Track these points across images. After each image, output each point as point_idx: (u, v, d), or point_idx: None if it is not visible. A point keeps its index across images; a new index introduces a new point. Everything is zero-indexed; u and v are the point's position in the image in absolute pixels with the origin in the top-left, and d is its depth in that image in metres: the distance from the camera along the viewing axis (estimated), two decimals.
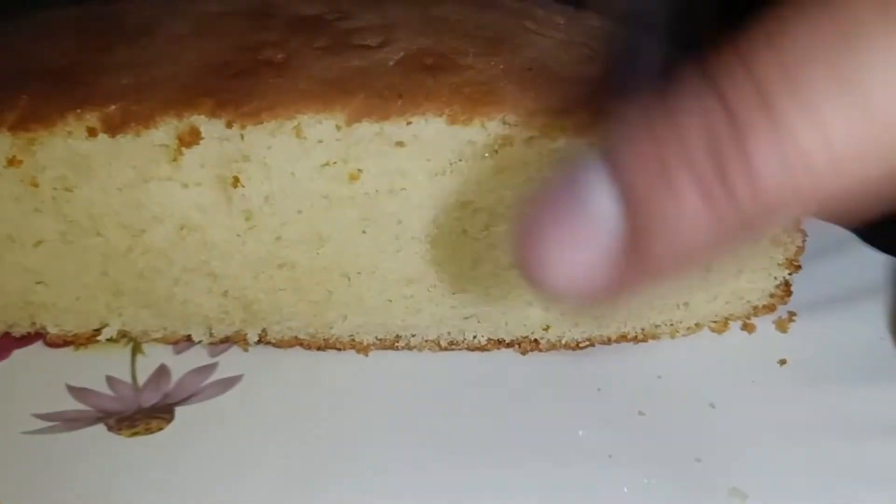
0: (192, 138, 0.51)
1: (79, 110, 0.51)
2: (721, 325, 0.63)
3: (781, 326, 0.62)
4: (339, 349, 0.62)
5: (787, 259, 0.60)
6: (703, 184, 0.27)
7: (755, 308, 0.63)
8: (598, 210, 0.29)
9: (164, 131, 0.51)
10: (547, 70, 0.54)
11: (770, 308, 0.63)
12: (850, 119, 0.26)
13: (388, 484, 0.52)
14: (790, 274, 0.61)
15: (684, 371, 0.61)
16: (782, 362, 0.60)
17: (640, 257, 0.29)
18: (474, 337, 0.62)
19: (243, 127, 0.51)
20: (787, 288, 0.62)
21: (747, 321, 0.63)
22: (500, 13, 0.60)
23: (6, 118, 0.51)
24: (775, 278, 0.61)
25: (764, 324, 0.63)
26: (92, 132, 0.51)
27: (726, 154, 0.27)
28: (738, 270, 0.60)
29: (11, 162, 0.53)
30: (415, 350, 0.62)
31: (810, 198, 0.27)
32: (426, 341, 0.62)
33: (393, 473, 0.53)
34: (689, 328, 0.62)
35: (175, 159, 0.52)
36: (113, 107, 0.51)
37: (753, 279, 0.61)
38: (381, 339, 0.62)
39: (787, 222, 0.55)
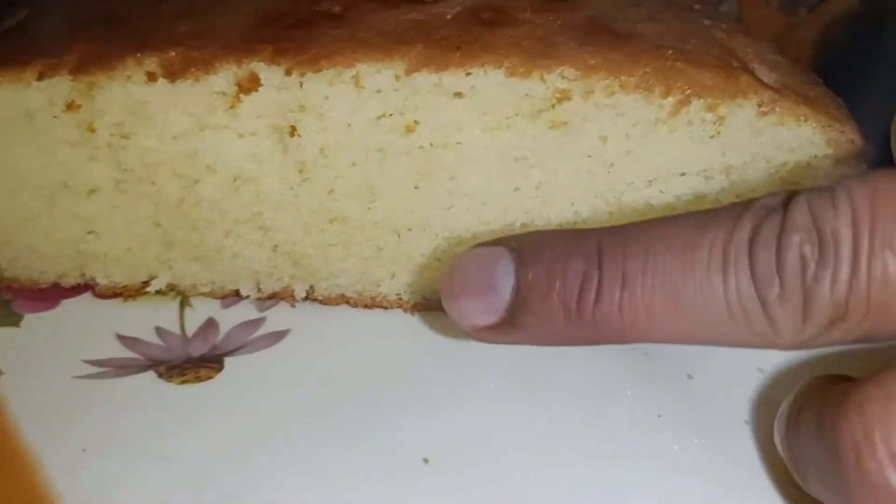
0: (250, 85, 0.51)
1: (139, 55, 0.51)
2: None
3: None
4: (386, 308, 0.62)
5: None
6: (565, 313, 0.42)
7: None
8: (499, 290, 0.44)
9: (223, 77, 0.51)
10: (606, 27, 0.54)
11: None
12: None
13: (432, 441, 0.52)
14: None
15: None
16: None
17: (513, 331, 0.45)
18: None
19: (302, 74, 0.51)
20: None
21: None
22: None
23: (66, 62, 0.52)
24: None
25: None
26: (151, 77, 0.51)
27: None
28: None
29: (70, 106, 0.53)
30: None
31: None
32: None
33: (437, 432, 0.52)
34: None
35: (232, 107, 0.52)
36: (173, 52, 0.51)
37: None
38: (427, 299, 0.62)
39: None
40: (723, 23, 0.59)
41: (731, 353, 0.58)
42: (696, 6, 0.62)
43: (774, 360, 0.58)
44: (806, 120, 0.53)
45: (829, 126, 0.54)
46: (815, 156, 0.55)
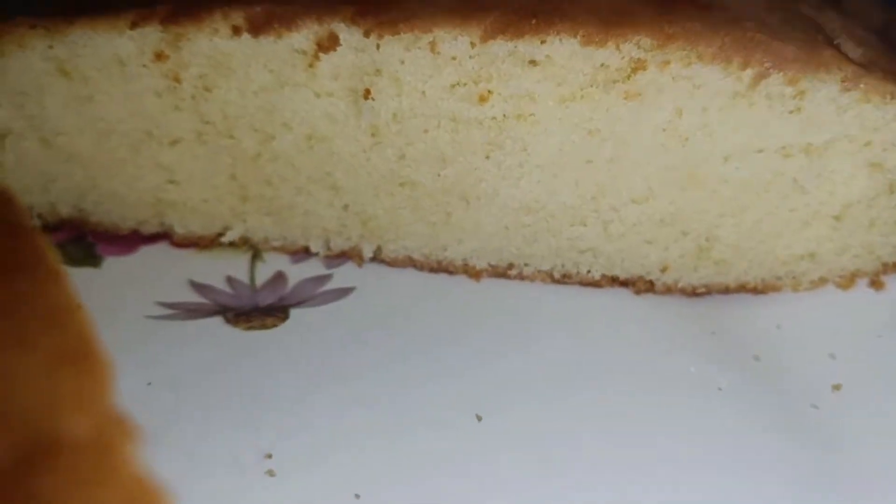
0: (330, 44, 0.52)
1: (226, 8, 0.53)
2: (847, 281, 0.60)
3: None
4: (451, 272, 0.62)
5: None
6: None
7: (885, 265, 0.60)
8: None
9: (304, 35, 0.52)
10: None
11: None
12: None
13: (486, 399, 0.52)
14: None
15: (806, 322, 0.59)
16: None
17: None
18: (588, 272, 0.61)
19: (380, 37, 0.51)
20: None
21: (875, 278, 0.60)
22: None
23: (158, 12, 0.54)
24: None
25: (894, 282, 0.60)
26: (236, 30, 0.53)
27: None
28: (870, 222, 0.58)
29: (159, 56, 0.55)
30: (526, 280, 0.62)
31: None
32: (539, 272, 0.62)
33: (496, 399, 0.53)
34: (812, 282, 0.60)
35: (311, 65, 0.53)
36: (258, 7, 0.53)
37: (886, 232, 0.58)
38: (493, 266, 0.62)
39: None
40: None
41: (803, 338, 0.57)
42: None
43: (846, 345, 0.56)
44: (892, 98, 0.52)
45: None
46: None
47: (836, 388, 0.53)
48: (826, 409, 0.52)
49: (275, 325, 0.57)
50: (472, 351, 0.56)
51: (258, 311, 0.58)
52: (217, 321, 0.57)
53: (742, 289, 0.61)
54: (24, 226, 0.35)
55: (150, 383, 0.52)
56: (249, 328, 0.57)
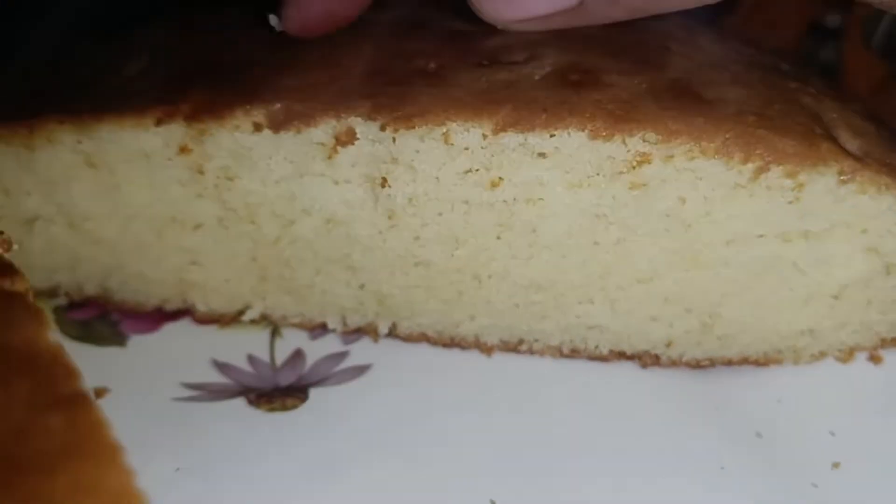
0: (348, 138, 0.54)
1: (247, 106, 0.55)
2: (846, 355, 0.62)
3: None
4: (464, 348, 0.65)
5: None
6: None
7: (883, 340, 0.62)
8: None
9: (322, 130, 0.55)
10: (689, 91, 0.55)
11: None
12: None
13: (500, 483, 0.54)
14: None
15: (806, 397, 0.61)
16: None
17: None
18: (596, 347, 0.63)
19: (396, 130, 0.54)
20: None
21: (874, 353, 0.62)
22: (643, 33, 0.61)
23: (182, 109, 0.56)
24: None
25: (892, 356, 0.62)
26: (257, 127, 0.55)
27: None
28: (867, 301, 0.60)
29: (183, 149, 0.57)
30: (536, 355, 0.64)
31: None
32: (548, 347, 0.64)
33: (507, 473, 0.55)
34: (812, 355, 0.62)
35: (330, 157, 0.56)
36: (278, 105, 0.55)
37: (883, 310, 0.60)
38: (504, 342, 0.64)
39: None
40: (811, 85, 0.60)
41: (804, 414, 0.59)
42: (784, 66, 0.63)
43: (846, 421, 0.58)
44: (887, 189, 0.54)
45: None
46: None
47: (836, 466, 0.55)
48: (825, 488, 0.54)
49: (294, 406, 0.59)
50: (486, 430, 0.58)
51: (279, 391, 0.60)
52: (240, 403, 0.60)
53: (744, 362, 0.63)
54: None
55: (178, 469, 0.54)
56: (271, 409, 0.59)
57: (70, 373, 0.32)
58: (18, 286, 0.36)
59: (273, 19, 0.57)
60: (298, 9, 0.54)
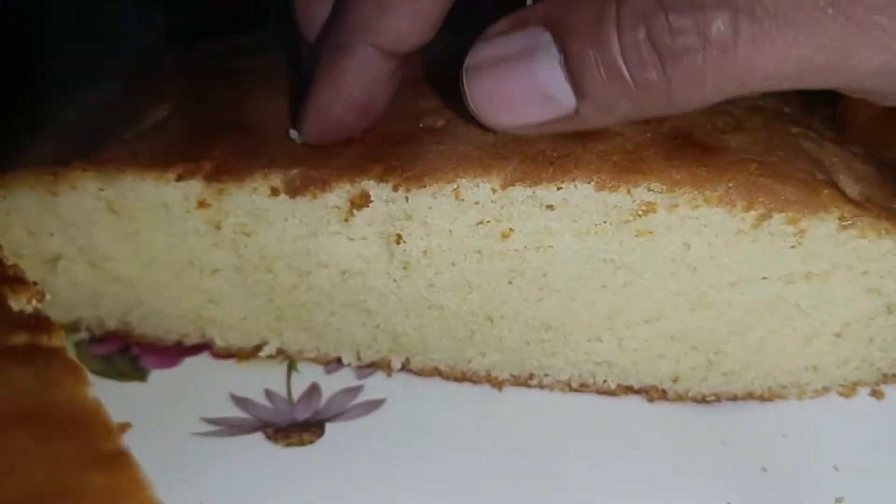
0: (362, 201, 0.56)
1: (266, 171, 0.57)
2: (849, 390, 0.64)
3: None
4: (475, 382, 0.66)
5: None
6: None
7: (885, 375, 0.63)
8: (547, 84, 0.48)
9: (337, 195, 0.56)
10: (692, 139, 0.57)
11: None
12: None
13: None
14: None
15: (810, 432, 0.62)
16: None
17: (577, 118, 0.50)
18: (604, 381, 0.65)
19: (408, 190, 0.55)
20: None
21: (876, 388, 0.64)
22: None
23: (203, 167, 0.58)
24: None
25: (894, 391, 0.64)
26: (274, 192, 0.57)
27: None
28: (869, 338, 0.61)
29: (201, 204, 0.59)
30: (546, 389, 0.66)
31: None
32: (558, 381, 0.65)
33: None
34: (816, 391, 0.64)
35: (346, 220, 0.58)
36: (294, 170, 0.57)
37: (885, 348, 0.62)
38: (515, 376, 0.66)
39: None
40: (812, 129, 0.62)
41: (808, 449, 0.60)
42: (787, 109, 0.64)
43: (849, 456, 0.59)
44: (887, 233, 0.55)
45: None
46: None
47: (839, 500, 0.57)
48: None
49: (311, 442, 0.61)
50: (495, 460, 0.60)
51: (296, 426, 0.62)
52: (258, 438, 0.61)
53: (749, 397, 0.64)
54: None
55: None
56: (289, 444, 0.61)
57: (109, 430, 0.34)
58: (56, 341, 0.38)
59: (293, 133, 0.58)
60: (314, 125, 0.56)
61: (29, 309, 0.40)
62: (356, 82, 0.55)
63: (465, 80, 0.51)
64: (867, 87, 0.47)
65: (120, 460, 0.33)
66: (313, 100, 0.55)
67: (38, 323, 0.38)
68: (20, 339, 0.37)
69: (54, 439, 0.32)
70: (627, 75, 0.46)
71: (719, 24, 0.43)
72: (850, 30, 0.43)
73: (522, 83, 0.49)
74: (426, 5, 0.53)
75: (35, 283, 0.43)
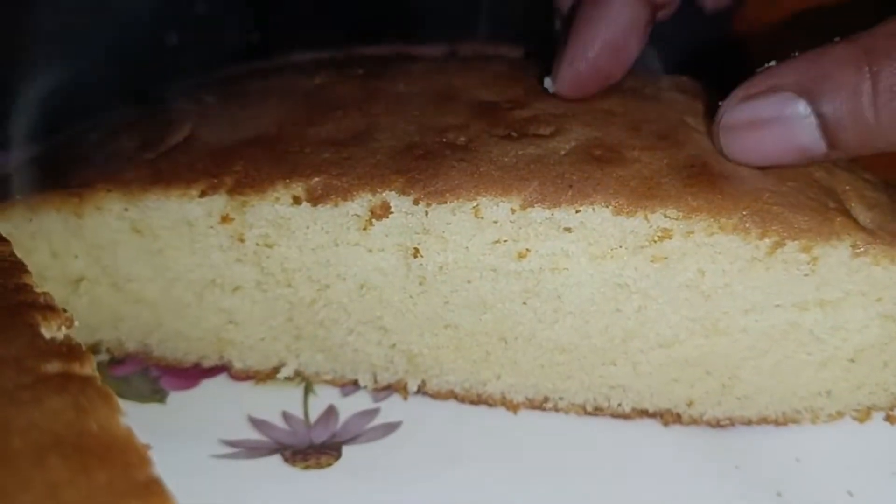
0: (382, 212, 0.57)
1: (287, 180, 0.58)
2: (863, 414, 0.64)
3: None
4: (490, 405, 0.67)
5: None
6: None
7: None
8: (809, 148, 0.55)
9: (358, 204, 0.58)
10: (707, 168, 0.58)
11: None
12: None
13: None
14: None
15: (824, 456, 0.62)
16: None
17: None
18: (619, 405, 0.65)
19: (428, 204, 0.57)
20: None
21: (891, 412, 0.64)
22: (663, 106, 0.64)
23: (225, 182, 0.59)
24: None
25: None
26: (296, 200, 0.58)
27: None
28: (883, 363, 0.62)
29: (224, 219, 0.60)
30: (561, 412, 0.66)
31: None
32: (573, 405, 0.66)
33: None
34: (830, 415, 0.64)
35: (365, 228, 0.59)
36: (316, 179, 0.58)
37: None
38: (530, 399, 0.66)
39: None
40: None
41: (822, 473, 0.61)
42: None
43: (863, 481, 0.60)
44: None
45: None
46: None
47: None
48: None
49: (329, 464, 0.62)
50: (510, 483, 0.60)
51: (313, 448, 0.63)
52: (276, 460, 0.62)
53: (764, 421, 0.65)
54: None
55: None
56: (306, 467, 0.61)
57: (143, 459, 0.35)
58: (87, 369, 0.39)
59: (547, 81, 0.62)
60: (571, 68, 0.60)
61: (60, 336, 0.41)
62: (615, 23, 0.59)
63: (720, 135, 0.58)
64: None
65: (153, 489, 0.33)
66: (572, 42, 0.59)
67: (70, 350, 0.39)
68: (54, 367, 0.37)
69: (90, 468, 0.33)
70: (879, 130, 0.53)
71: None
72: None
73: (778, 141, 0.56)
74: None
75: (64, 310, 0.44)
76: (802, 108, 0.54)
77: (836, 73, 0.53)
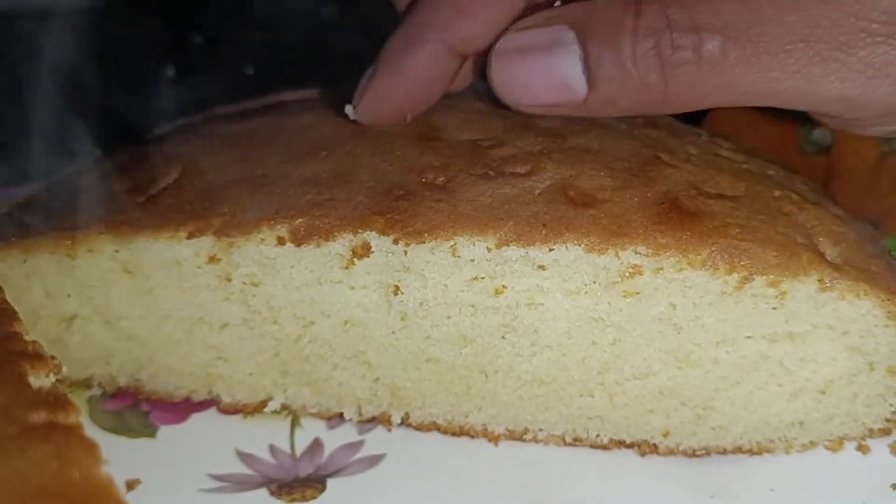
0: (363, 251, 0.59)
1: (272, 222, 0.60)
2: (836, 444, 0.66)
3: None
4: (472, 436, 0.69)
5: None
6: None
7: (870, 430, 0.65)
8: (566, 75, 0.57)
9: (340, 244, 0.60)
10: (677, 204, 0.59)
11: (886, 432, 0.65)
12: None
13: None
14: None
15: (797, 486, 0.64)
16: (895, 487, 0.63)
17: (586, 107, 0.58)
18: (597, 436, 0.67)
19: (407, 244, 0.59)
20: None
21: (862, 442, 0.66)
22: (637, 143, 0.65)
23: (212, 223, 0.61)
24: (891, 405, 0.64)
25: (879, 446, 0.66)
26: (281, 241, 0.60)
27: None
28: (853, 395, 0.63)
29: (212, 259, 0.62)
30: (541, 443, 0.68)
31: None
32: (552, 436, 0.68)
33: None
34: (803, 445, 0.66)
35: (347, 267, 0.61)
36: (299, 220, 0.60)
37: (869, 403, 0.64)
38: (510, 431, 0.68)
39: None
40: (794, 191, 0.64)
41: (796, 503, 0.62)
42: (770, 171, 0.67)
43: None
44: (865, 294, 0.58)
45: (888, 301, 0.58)
46: (876, 326, 0.59)
47: None
48: None
49: (314, 497, 0.63)
50: None
51: (298, 482, 0.64)
52: (262, 494, 0.63)
53: (738, 451, 0.66)
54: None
55: None
56: (292, 500, 0.63)
57: None
58: (72, 418, 0.40)
59: (348, 109, 0.64)
60: (372, 105, 0.63)
61: (48, 384, 0.42)
62: (422, 74, 0.61)
63: (492, 62, 0.59)
64: (830, 110, 0.57)
65: None
66: (376, 83, 0.62)
67: (57, 400, 0.41)
68: (40, 416, 0.39)
69: None
70: (635, 75, 0.55)
71: (711, 46, 0.53)
72: (816, 62, 0.52)
73: (544, 71, 0.57)
74: (500, 14, 0.60)
75: (53, 357, 0.46)
76: (570, 38, 0.56)
77: (605, 10, 0.55)
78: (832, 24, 0.51)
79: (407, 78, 0.61)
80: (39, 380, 0.42)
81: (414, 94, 0.62)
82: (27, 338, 0.46)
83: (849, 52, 0.52)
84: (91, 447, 0.38)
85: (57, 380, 0.46)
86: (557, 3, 0.60)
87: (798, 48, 0.52)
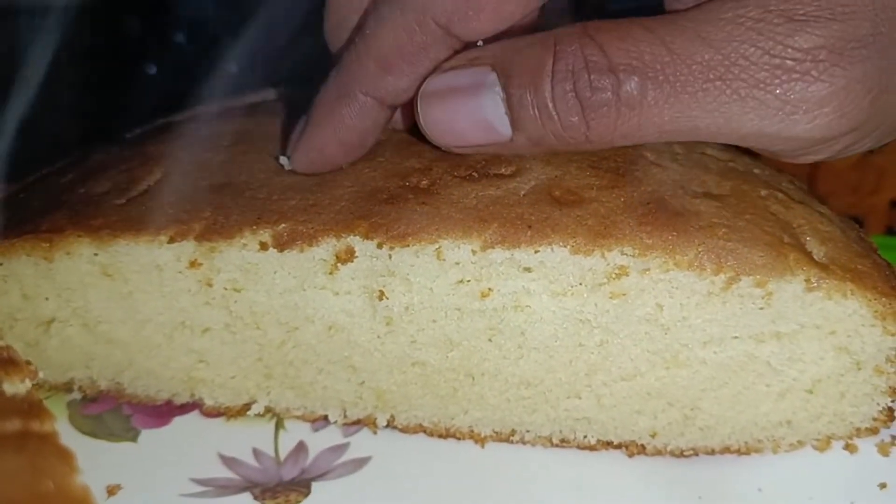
0: (347, 256, 0.59)
1: (254, 227, 0.59)
2: (823, 444, 0.66)
3: (883, 450, 0.65)
4: (459, 438, 0.68)
5: (889, 387, 0.63)
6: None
7: (858, 430, 0.65)
8: (496, 128, 0.57)
9: (324, 249, 0.59)
10: (663, 204, 0.59)
11: (873, 431, 0.65)
12: None
13: None
14: (893, 401, 0.64)
15: (785, 486, 0.64)
16: (882, 486, 0.62)
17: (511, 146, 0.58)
18: (584, 437, 0.67)
19: (392, 248, 0.58)
20: (890, 413, 0.65)
21: (850, 442, 0.66)
22: None
23: (193, 228, 0.60)
24: (878, 404, 0.64)
25: (866, 446, 0.65)
26: (263, 246, 0.59)
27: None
28: (840, 394, 0.63)
29: (193, 264, 0.61)
30: (528, 445, 0.67)
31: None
32: (539, 437, 0.67)
33: None
34: (791, 444, 0.66)
35: (331, 272, 0.60)
36: (282, 225, 0.59)
37: (856, 403, 0.64)
38: (497, 433, 0.67)
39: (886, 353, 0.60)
40: (781, 190, 0.64)
41: (784, 502, 0.62)
42: (756, 170, 0.66)
43: None
44: (852, 294, 0.58)
45: (875, 300, 0.58)
46: (863, 325, 0.59)
47: None
48: None
49: (298, 501, 0.62)
50: None
51: (282, 486, 0.64)
52: (246, 498, 0.63)
53: (726, 451, 0.66)
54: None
55: None
56: None
57: None
58: (47, 426, 0.39)
59: (283, 160, 0.63)
60: (306, 157, 0.62)
61: (22, 390, 0.41)
62: (353, 127, 0.60)
63: (419, 104, 0.58)
64: (752, 145, 0.57)
65: None
66: (309, 135, 0.61)
67: (31, 408, 0.40)
68: (13, 425, 0.38)
69: None
70: (556, 117, 0.55)
71: (629, 87, 0.53)
72: (734, 100, 0.53)
73: (469, 113, 0.57)
74: (425, 68, 0.59)
75: (28, 362, 0.45)
76: (492, 80, 0.56)
77: (526, 52, 0.55)
78: (748, 62, 0.51)
79: (338, 130, 0.60)
80: (14, 386, 0.41)
81: (347, 144, 0.61)
82: (1, 344, 0.45)
83: (766, 89, 0.52)
84: (66, 456, 0.37)
85: (34, 385, 0.45)
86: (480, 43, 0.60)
87: (715, 86, 0.52)
